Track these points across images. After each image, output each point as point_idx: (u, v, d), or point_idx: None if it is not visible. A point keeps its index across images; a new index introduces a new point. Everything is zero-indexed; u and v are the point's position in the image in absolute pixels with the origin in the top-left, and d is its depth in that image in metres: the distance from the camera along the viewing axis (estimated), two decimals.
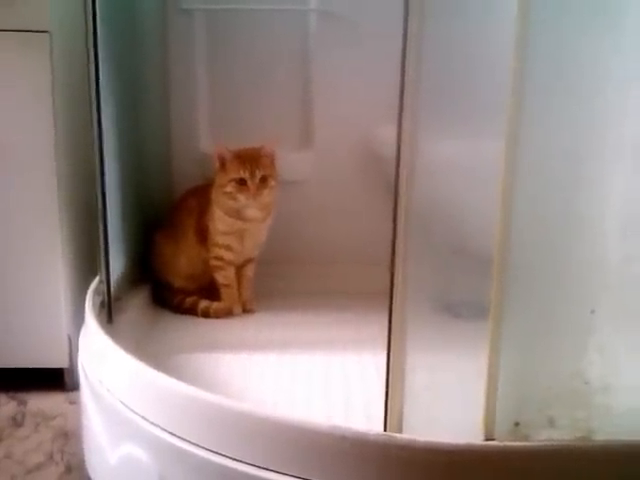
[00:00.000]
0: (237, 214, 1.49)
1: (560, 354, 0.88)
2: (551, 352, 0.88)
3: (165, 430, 1.01)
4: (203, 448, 0.97)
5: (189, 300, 1.52)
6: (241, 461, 0.95)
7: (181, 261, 1.55)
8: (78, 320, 1.33)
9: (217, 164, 1.47)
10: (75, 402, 1.45)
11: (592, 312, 0.87)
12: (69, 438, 1.38)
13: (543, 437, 0.87)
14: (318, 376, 1.26)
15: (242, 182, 1.45)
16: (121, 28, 1.43)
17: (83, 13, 1.22)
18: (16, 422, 1.43)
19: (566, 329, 0.88)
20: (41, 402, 1.50)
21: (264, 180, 1.46)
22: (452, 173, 1.14)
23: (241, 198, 1.46)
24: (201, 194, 1.56)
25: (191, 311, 1.51)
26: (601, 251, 0.88)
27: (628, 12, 0.84)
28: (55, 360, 1.52)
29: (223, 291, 1.54)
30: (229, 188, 1.46)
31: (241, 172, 1.44)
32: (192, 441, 0.98)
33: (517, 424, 0.88)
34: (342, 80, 1.66)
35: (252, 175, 1.44)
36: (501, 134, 0.84)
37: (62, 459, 1.32)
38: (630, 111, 0.88)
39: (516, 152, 0.84)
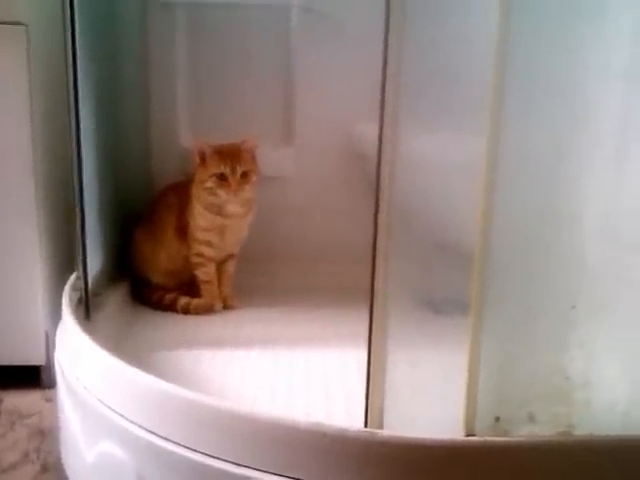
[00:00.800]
0: (217, 210, 1.48)
1: (541, 350, 0.89)
2: (532, 348, 0.88)
3: (143, 428, 1.00)
4: (182, 446, 0.96)
5: (169, 296, 1.51)
6: (220, 458, 0.94)
7: (161, 257, 1.54)
8: (55, 317, 1.32)
9: (197, 159, 1.46)
10: (52, 400, 1.43)
11: (573, 308, 0.88)
12: (45, 436, 1.36)
13: (524, 432, 0.87)
14: (299, 373, 1.25)
15: (223, 177, 1.44)
16: (100, 22, 1.41)
17: (60, 5, 1.20)
18: None
19: (547, 325, 0.89)
20: (17, 400, 1.47)
21: (245, 175, 1.45)
22: (433, 169, 1.14)
23: (222, 193, 1.44)
24: (181, 190, 1.54)
25: (171, 307, 1.50)
26: (582, 247, 0.89)
27: (608, 8, 0.84)
28: (32, 357, 1.50)
29: (203, 287, 1.53)
30: (209, 183, 1.44)
31: (222, 167, 1.43)
32: (171, 439, 0.96)
33: (498, 419, 0.88)
34: (324, 76, 1.65)
35: (233, 170, 1.43)
36: (482, 130, 0.84)
37: (38, 458, 1.30)
38: (611, 108, 0.88)
39: (497, 148, 0.84)
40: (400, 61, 0.84)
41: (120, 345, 1.23)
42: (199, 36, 1.64)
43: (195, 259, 1.52)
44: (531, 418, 0.88)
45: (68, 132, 1.25)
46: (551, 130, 0.87)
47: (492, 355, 0.87)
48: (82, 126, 1.25)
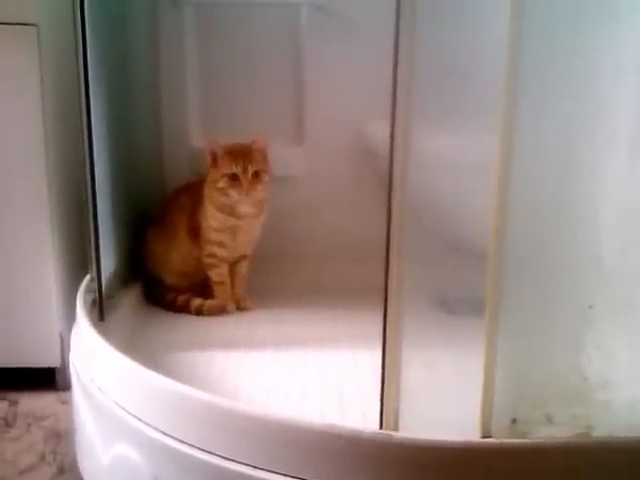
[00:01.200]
0: (230, 210, 1.48)
1: (558, 350, 0.87)
2: (548, 348, 0.87)
3: (158, 430, 1.00)
4: (197, 448, 0.96)
5: (182, 298, 1.51)
6: (235, 460, 0.94)
7: (173, 258, 1.54)
8: (70, 319, 1.32)
9: (209, 159, 1.46)
10: (67, 402, 1.44)
11: (590, 307, 0.87)
12: (61, 438, 1.36)
13: (541, 434, 0.87)
14: (313, 374, 1.25)
15: (234, 177, 1.43)
16: (111, 22, 1.41)
17: (71, 6, 1.20)
18: (7, 423, 1.42)
19: (563, 325, 0.88)
20: (32, 402, 1.48)
21: (257, 175, 1.44)
22: (446, 168, 1.13)
23: (233, 194, 1.44)
24: (193, 190, 1.54)
25: (184, 309, 1.50)
26: (598, 245, 0.87)
27: (621, 4, 0.83)
28: (47, 359, 1.50)
29: (216, 288, 1.53)
30: (221, 184, 1.44)
31: (233, 167, 1.43)
32: (186, 441, 0.96)
33: (514, 421, 0.87)
34: (334, 75, 1.65)
35: (244, 170, 1.43)
36: (495, 128, 0.83)
37: (54, 460, 1.30)
38: (625, 104, 0.87)
39: (510, 146, 0.83)
40: (411, 59, 0.83)
41: (134, 346, 1.23)
42: (209, 36, 1.64)
43: (208, 260, 1.52)
44: (549, 419, 0.87)
45: (80, 133, 1.25)
46: (565, 127, 0.86)
47: (508, 355, 0.86)
48: (94, 127, 1.25)
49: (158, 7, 1.62)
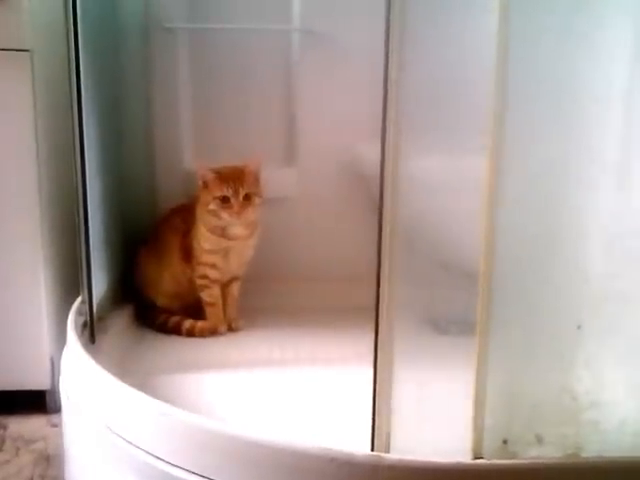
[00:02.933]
0: (222, 232, 1.48)
1: (547, 370, 0.88)
2: (538, 368, 0.88)
3: (150, 453, 0.99)
4: (188, 471, 0.96)
5: (173, 319, 1.51)
6: None
7: (165, 280, 1.54)
8: (60, 341, 1.31)
9: (200, 182, 1.47)
10: (57, 425, 1.42)
11: (578, 328, 0.87)
12: (50, 462, 1.35)
13: (532, 454, 0.87)
14: (304, 395, 1.24)
15: (225, 200, 1.44)
16: (103, 47, 1.42)
17: (65, 31, 1.21)
18: None
19: (553, 345, 0.88)
20: (22, 425, 1.47)
21: (248, 198, 1.45)
22: (436, 189, 1.14)
23: (225, 216, 1.45)
24: (185, 212, 1.54)
25: (175, 330, 1.50)
26: (586, 266, 0.88)
27: (608, 25, 0.85)
28: (37, 382, 1.49)
29: (208, 310, 1.53)
30: (212, 206, 1.45)
31: (224, 190, 1.43)
32: (178, 464, 0.96)
33: (505, 442, 0.87)
34: (325, 98, 1.67)
35: (236, 193, 1.43)
36: (484, 149, 0.85)
37: None
38: (613, 126, 0.88)
39: (499, 166, 0.85)
40: (400, 80, 0.84)
41: (125, 369, 1.23)
42: (201, 60, 1.66)
43: (199, 281, 1.52)
44: (539, 440, 0.87)
45: (73, 156, 1.26)
46: (554, 149, 0.88)
47: (498, 376, 0.86)
48: (87, 150, 1.25)
49: (151, 32, 1.63)
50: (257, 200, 1.47)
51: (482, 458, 0.87)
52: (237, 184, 1.43)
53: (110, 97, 1.46)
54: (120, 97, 1.56)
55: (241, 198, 1.44)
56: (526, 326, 0.88)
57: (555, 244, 0.88)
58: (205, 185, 1.46)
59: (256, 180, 1.47)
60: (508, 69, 0.83)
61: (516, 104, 0.84)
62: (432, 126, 1.01)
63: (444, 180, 1.17)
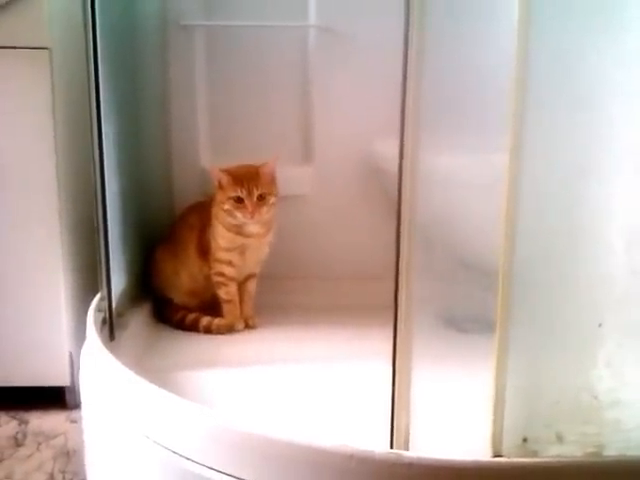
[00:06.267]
0: (238, 230, 1.49)
1: (568, 368, 0.87)
2: (559, 366, 0.87)
3: (168, 449, 1.00)
4: (207, 467, 0.96)
5: (191, 316, 1.51)
6: (240, 479, 0.93)
7: (182, 277, 1.55)
8: (79, 338, 1.32)
9: (216, 183, 1.47)
10: (76, 421, 1.44)
11: (599, 325, 0.86)
12: (70, 457, 1.36)
13: (552, 453, 0.86)
14: (322, 392, 1.24)
15: (239, 200, 1.44)
16: (121, 44, 1.43)
17: (83, 29, 1.22)
18: (17, 442, 1.42)
19: (573, 343, 0.87)
20: (42, 421, 1.48)
21: (262, 198, 1.45)
22: (455, 186, 1.13)
23: (239, 216, 1.45)
24: (202, 210, 1.55)
25: (193, 327, 1.50)
26: (607, 264, 0.87)
27: (631, 23, 0.84)
28: (56, 378, 1.50)
29: (225, 307, 1.53)
30: (227, 206, 1.45)
31: (238, 191, 1.44)
32: (197, 461, 0.96)
33: (525, 440, 0.86)
34: (342, 95, 1.66)
35: (249, 194, 1.44)
36: (504, 146, 0.84)
37: (63, 479, 1.30)
38: (634, 123, 0.87)
39: (519, 164, 0.84)
40: (419, 78, 0.84)
41: (144, 365, 1.24)
42: (218, 57, 1.66)
43: (216, 278, 1.53)
44: (559, 438, 0.86)
45: (91, 154, 1.27)
46: (574, 145, 0.87)
47: (518, 374, 0.86)
48: (105, 148, 1.26)
49: (168, 30, 1.64)
50: (272, 200, 1.47)
51: (501, 456, 0.86)
52: (251, 185, 1.43)
53: (127, 95, 1.47)
54: (137, 95, 1.57)
55: (255, 199, 1.44)
56: (546, 324, 0.87)
57: (576, 242, 0.88)
58: (220, 185, 1.46)
59: (271, 180, 1.47)
60: (530, 65, 0.82)
61: (538, 101, 0.83)
62: (451, 123, 1.01)
63: (463, 177, 1.17)
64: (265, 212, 1.46)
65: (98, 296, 1.33)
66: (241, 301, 1.55)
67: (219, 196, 1.47)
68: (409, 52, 0.84)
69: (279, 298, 1.59)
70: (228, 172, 1.45)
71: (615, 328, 0.87)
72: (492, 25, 0.97)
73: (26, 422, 1.48)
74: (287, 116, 1.69)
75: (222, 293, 1.53)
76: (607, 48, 0.83)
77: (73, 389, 1.48)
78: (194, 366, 1.33)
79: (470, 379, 0.89)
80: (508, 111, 0.83)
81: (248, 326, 1.53)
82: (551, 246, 0.87)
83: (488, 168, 0.94)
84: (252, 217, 1.45)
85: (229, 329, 1.51)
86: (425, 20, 0.83)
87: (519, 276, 0.85)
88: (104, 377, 1.15)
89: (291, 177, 1.63)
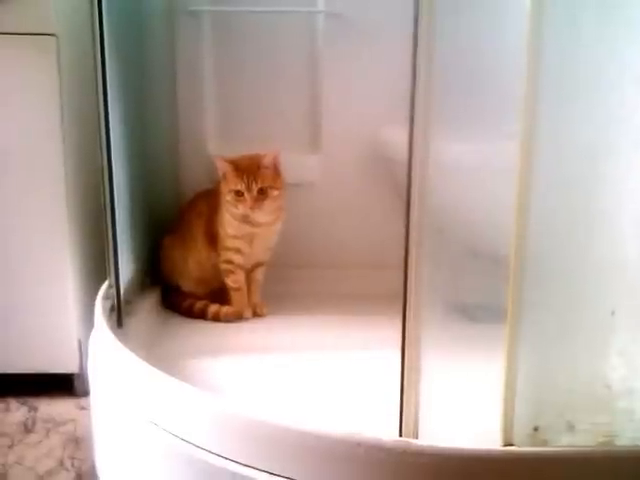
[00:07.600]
0: (244, 219, 1.48)
1: (580, 357, 0.86)
2: (570, 355, 0.86)
3: (176, 435, 1.00)
4: (214, 454, 0.96)
5: (199, 304, 1.51)
6: (251, 467, 0.94)
7: (190, 265, 1.54)
8: (88, 325, 1.33)
9: (220, 173, 1.47)
10: (85, 408, 1.44)
11: (612, 314, 0.85)
12: (80, 444, 1.37)
13: (563, 442, 0.85)
14: (330, 380, 1.24)
15: (240, 194, 1.44)
16: (128, 31, 1.42)
17: (89, 16, 1.21)
18: (27, 428, 1.43)
19: (586, 331, 0.87)
20: (52, 408, 1.49)
21: (263, 192, 1.44)
22: (465, 174, 1.12)
23: (240, 208, 1.45)
24: (210, 197, 1.55)
25: (201, 315, 1.50)
26: (621, 251, 0.86)
27: None
28: (65, 365, 1.51)
29: (233, 295, 1.53)
30: (229, 197, 1.45)
31: (238, 184, 1.43)
32: (206, 448, 0.96)
33: (536, 429, 0.86)
34: (350, 82, 1.65)
35: (249, 188, 1.43)
36: (516, 133, 0.83)
37: (73, 465, 1.31)
38: None
39: (532, 151, 0.83)
40: (429, 64, 0.83)
41: (152, 352, 1.23)
42: (226, 43, 1.65)
43: (224, 266, 1.53)
44: (570, 427, 0.86)
45: (98, 141, 1.26)
46: (587, 131, 0.85)
47: (529, 363, 0.85)
48: (112, 134, 1.26)
49: (175, 16, 1.63)
50: (275, 193, 1.46)
51: (512, 445, 0.86)
52: (250, 179, 1.43)
53: (134, 81, 1.46)
54: (144, 81, 1.56)
55: (255, 193, 1.43)
56: (558, 312, 0.86)
57: (589, 229, 0.87)
58: (224, 176, 1.46)
59: (274, 173, 1.46)
60: (542, 49, 0.80)
61: (550, 85, 0.82)
62: (462, 109, 1.00)
63: (474, 164, 1.16)
64: (267, 205, 1.45)
65: (106, 283, 1.33)
66: (249, 289, 1.55)
67: (223, 187, 1.47)
68: (419, 38, 0.82)
69: (287, 286, 1.58)
70: (231, 163, 1.45)
71: (628, 316, 0.86)
72: (504, 10, 0.96)
73: (36, 409, 1.49)
74: (295, 103, 1.68)
75: (230, 281, 1.53)
76: (621, 27, 0.82)
77: (82, 376, 1.48)
78: (202, 353, 1.33)
79: (481, 367, 0.88)
80: (520, 95, 0.82)
81: (256, 314, 1.53)
82: (564, 233, 0.86)
83: (500, 154, 0.93)
84: (252, 211, 1.44)
85: (237, 317, 1.51)
86: (435, 5, 0.82)
87: (531, 264, 0.84)
88: (112, 364, 1.15)
89: (299, 165, 1.63)
